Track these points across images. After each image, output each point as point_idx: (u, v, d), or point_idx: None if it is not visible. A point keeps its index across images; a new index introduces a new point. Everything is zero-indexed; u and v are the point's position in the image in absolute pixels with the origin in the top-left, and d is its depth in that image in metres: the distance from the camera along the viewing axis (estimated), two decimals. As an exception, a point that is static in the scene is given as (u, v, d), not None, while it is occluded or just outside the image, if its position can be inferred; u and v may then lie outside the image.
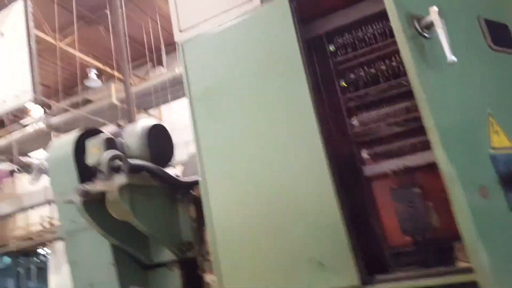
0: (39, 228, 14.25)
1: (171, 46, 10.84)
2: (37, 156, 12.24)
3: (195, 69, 2.02)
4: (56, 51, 9.31)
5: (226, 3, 2.00)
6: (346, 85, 1.86)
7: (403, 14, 1.33)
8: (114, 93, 10.13)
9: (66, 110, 10.79)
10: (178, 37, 2.12)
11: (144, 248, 2.59)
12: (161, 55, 10.95)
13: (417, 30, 1.33)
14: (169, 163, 2.74)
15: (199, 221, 2.48)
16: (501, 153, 1.38)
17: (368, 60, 1.82)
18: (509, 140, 1.43)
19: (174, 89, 9.77)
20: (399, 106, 1.74)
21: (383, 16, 1.71)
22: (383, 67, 1.77)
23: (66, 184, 2.54)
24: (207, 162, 1.95)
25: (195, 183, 2.48)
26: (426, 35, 1.34)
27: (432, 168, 1.38)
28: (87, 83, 11.71)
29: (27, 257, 19.13)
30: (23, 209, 13.97)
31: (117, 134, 2.64)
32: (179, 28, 2.13)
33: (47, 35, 9.19)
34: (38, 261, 19.13)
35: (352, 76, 1.84)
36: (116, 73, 11.10)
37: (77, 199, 2.37)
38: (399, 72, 1.72)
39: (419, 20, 1.33)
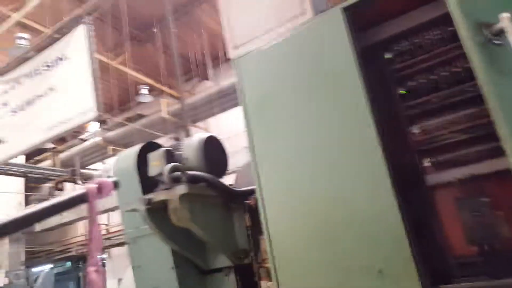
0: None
1: (217, 60, 11.22)
2: (96, 168, 13.12)
3: (251, 82, 2.10)
4: (109, 69, 10.00)
5: (279, 18, 2.07)
6: (405, 93, 1.83)
7: (472, 22, 1.32)
8: (164, 107, 10.63)
9: (120, 125, 11.49)
10: (232, 53, 2.22)
11: (202, 254, 2.71)
12: (206, 69, 11.36)
13: (486, 37, 1.31)
14: (224, 173, 2.85)
15: (254, 229, 2.54)
16: None
17: (428, 67, 1.79)
18: None
19: (220, 101, 10.08)
20: (463, 112, 1.69)
21: (442, 21, 1.70)
22: (445, 73, 1.73)
23: (130, 194, 2.74)
24: (262, 172, 2.00)
25: (250, 192, 2.57)
26: (496, 41, 1.31)
27: (501, 176, 1.33)
28: (139, 98, 12.44)
29: (86, 263, 20.43)
30: (82, 218, 14.92)
31: (175, 147, 2.81)
32: (233, 45, 2.23)
33: (101, 55, 9.91)
34: (95, 266, 20.35)
35: (411, 83, 1.82)
36: (165, 88, 11.67)
37: (142, 207, 2.54)
38: (463, 78, 1.68)
39: (488, 27, 1.31)
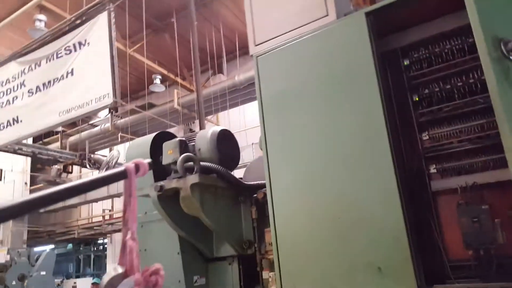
0: (100, 219, 15.32)
1: (232, 54, 11.27)
2: (104, 154, 13.30)
3: (269, 79, 2.16)
4: (125, 57, 10.11)
5: (301, 18, 2.12)
6: (418, 100, 1.88)
7: (490, 36, 1.37)
8: (176, 98, 10.74)
9: (131, 113, 11.64)
10: (253, 50, 2.28)
11: (208, 242, 2.80)
12: (221, 63, 11.42)
13: (502, 52, 1.36)
14: (235, 167, 2.92)
15: (260, 221, 2.62)
16: None
17: (444, 76, 1.84)
18: None
19: (232, 96, 10.15)
20: (472, 123, 1.75)
21: (461, 32, 1.74)
22: (460, 84, 1.77)
23: (142, 180, 2.82)
24: (274, 168, 2.07)
25: (258, 187, 2.65)
26: (511, 57, 1.36)
27: (502, 186, 1.39)
28: (152, 88, 12.55)
29: (87, 246, 20.73)
30: (87, 202, 15.11)
31: (189, 138, 2.89)
32: (254, 42, 2.29)
33: (117, 42, 10.00)
34: (96, 249, 20.66)
35: (426, 91, 1.86)
36: (179, 79, 11.77)
37: (153, 193, 2.63)
38: (475, 89, 1.73)
39: (506, 43, 1.36)
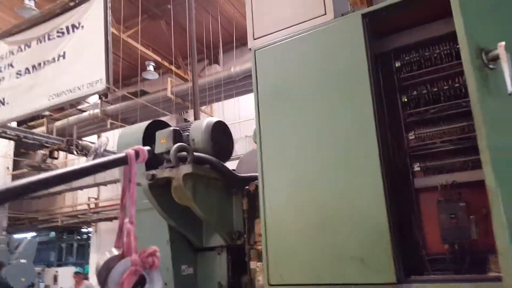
0: (85, 208, 15.16)
1: (229, 45, 11.21)
2: (91, 141, 13.13)
3: (266, 73, 2.21)
4: (118, 42, 9.95)
5: (300, 15, 2.17)
6: (406, 101, 1.97)
7: (474, 46, 1.45)
8: (170, 87, 10.67)
9: (123, 99, 11.51)
10: (251, 43, 2.32)
11: (198, 232, 2.85)
12: (218, 53, 11.36)
13: (483, 61, 1.45)
14: (228, 158, 2.97)
15: (250, 213, 2.68)
16: None
17: (432, 79, 1.92)
18: None
19: (227, 88, 10.13)
20: (455, 125, 1.84)
21: (450, 38, 1.82)
22: (446, 87, 1.86)
23: (134, 168, 2.84)
24: (267, 161, 2.13)
25: (251, 179, 2.70)
26: (491, 66, 1.45)
27: (479, 185, 1.47)
28: (145, 75, 12.41)
29: (70, 234, 20.48)
30: (72, 189, 14.92)
31: (183, 128, 2.91)
32: (253, 35, 2.33)
33: (112, 26, 9.83)
34: (80, 238, 20.44)
35: (414, 92, 1.95)
36: (173, 68, 11.67)
37: (144, 182, 2.65)
38: (460, 93, 1.82)
39: (487, 53, 1.44)
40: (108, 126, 12.08)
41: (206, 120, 2.88)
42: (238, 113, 10.74)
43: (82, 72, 5.08)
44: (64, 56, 5.41)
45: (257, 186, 2.50)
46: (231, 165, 3.32)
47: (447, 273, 1.75)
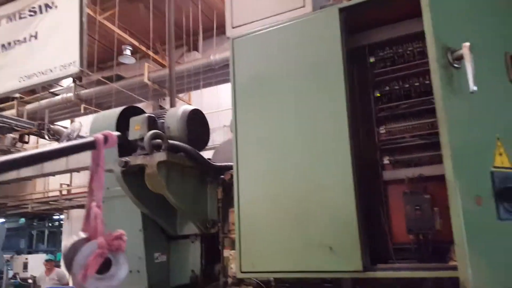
0: (57, 194, 14.78)
1: (209, 32, 11.01)
2: (64, 125, 12.72)
3: (243, 63, 2.21)
4: (94, 24, 9.60)
5: (279, 6, 2.18)
6: (380, 96, 2.02)
7: (440, 45, 1.51)
8: (147, 72, 10.43)
9: (97, 83, 11.17)
10: (230, 32, 2.31)
11: (171, 220, 2.84)
12: (197, 40, 11.15)
13: (449, 60, 1.51)
14: (204, 147, 2.96)
15: (225, 202, 2.70)
16: (500, 171, 1.58)
17: (404, 76, 1.98)
18: (510, 161, 1.62)
19: (206, 75, 9.98)
20: (425, 121, 1.91)
21: (423, 36, 1.87)
22: (417, 84, 1.93)
23: (106, 155, 2.78)
24: (242, 150, 2.15)
25: (226, 168, 2.71)
26: (455, 65, 1.52)
27: (444, 179, 1.55)
28: (121, 59, 12.06)
29: (41, 221, 19.95)
30: (44, 175, 14.49)
31: (158, 115, 2.88)
32: (232, 24, 2.31)
33: (87, 7, 9.48)
34: (51, 225, 19.94)
35: (387, 88, 2.01)
36: (151, 53, 11.40)
37: (117, 169, 2.61)
38: (430, 90, 1.86)
39: (452, 52, 1.51)
40: (82, 111, 11.74)
41: (182, 107, 2.85)
42: (217, 102, 10.66)
43: (55, 53, 4.90)
44: (36, 37, 5.18)
45: (232, 176, 2.52)
46: (208, 154, 3.32)
47: (411, 262, 1.83)
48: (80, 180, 14.05)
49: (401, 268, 1.76)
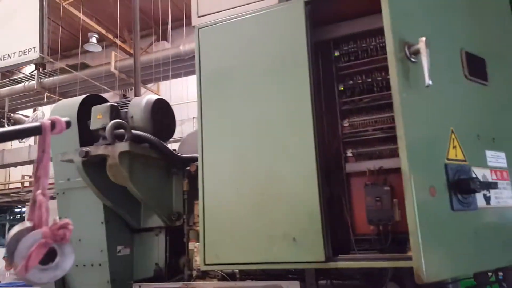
0: (19, 186, 14.17)
1: (179, 22, 10.79)
2: (26, 115, 12.13)
3: (208, 53, 2.17)
4: (58, 9, 9.16)
5: (246, -4, 2.14)
6: (343, 89, 2.05)
7: (397, 39, 1.54)
8: (114, 61, 10.09)
9: (61, 72, 10.70)
10: (195, 21, 2.26)
11: (135, 213, 2.78)
12: (166, 29, 10.89)
13: (406, 54, 1.55)
14: (169, 138, 2.90)
15: (190, 194, 2.66)
16: (454, 163, 1.64)
17: (367, 70, 2.02)
18: (463, 154, 1.69)
19: (176, 66, 9.79)
20: (386, 115, 1.96)
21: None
22: (379, 78, 1.96)
23: (67, 145, 2.68)
24: (207, 142, 2.12)
25: (192, 160, 2.67)
26: (412, 59, 1.56)
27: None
28: (86, 47, 11.59)
29: (2, 214, 19.03)
30: (4, 166, 13.82)
31: (121, 104, 2.79)
32: (197, 13, 2.26)
33: (52, -8, 9.05)
34: (12, 218, 19.06)
35: (350, 82, 2.04)
36: (118, 41, 11.03)
37: (78, 159, 2.52)
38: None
39: (409, 46, 1.55)
40: (45, 99, 11.23)
41: (147, 97, 2.78)
42: (186, 93, 10.51)
43: (14, 38, 4.62)
44: None
45: (197, 167, 2.49)
46: (175, 146, 3.26)
47: (371, 253, 1.88)
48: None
49: (362, 259, 1.80)
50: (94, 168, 2.57)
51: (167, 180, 2.75)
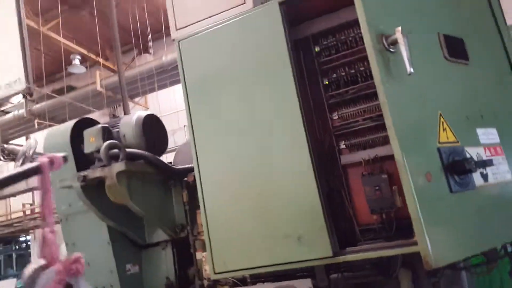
0: (21, 215, 14.09)
1: (158, 34, 10.79)
2: (20, 143, 12.05)
3: (191, 63, 2.19)
4: (38, 35, 9.13)
5: (220, 5, 2.17)
6: (328, 83, 2.07)
7: (374, 32, 1.57)
8: (99, 80, 10.06)
9: (48, 97, 10.65)
10: (174, 34, 2.27)
11: (139, 229, 2.79)
12: (147, 42, 10.88)
13: (384, 46, 1.57)
14: (163, 151, 2.91)
15: (191, 204, 2.68)
16: (446, 146, 1.66)
17: (349, 62, 2.03)
18: (454, 136, 1.71)
19: (160, 77, 9.79)
20: (373, 103, 1.98)
21: (360, 22, 1.93)
22: (362, 68, 1.98)
23: (64, 171, 2.68)
24: (201, 150, 2.13)
25: (188, 170, 2.68)
26: (391, 50, 1.58)
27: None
28: (70, 69, 11.54)
29: (7, 245, 18.91)
30: (4, 197, 13.75)
31: (112, 124, 2.79)
32: (175, 26, 2.28)
33: (30, 19, 9.00)
34: (18, 248, 18.95)
35: (334, 75, 2.05)
36: (101, 60, 10.99)
37: (76, 184, 2.53)
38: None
39: (386, 37, 1.57)
40: (36, 126, 11.17)
41: (136, 114, 2.79)
42: (174, 103, 10.50)
43: (-3, 71, 4.61)
44: None
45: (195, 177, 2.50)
46: (171, 157, 3.27)
47: (378, 242, 1.87)
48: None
49: (369, 249, 1.78)
50: (93, 191, 2.58)
51: (166, 194, 2.77)
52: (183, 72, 2.21)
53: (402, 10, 1.77)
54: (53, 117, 10.87)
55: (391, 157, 1.89)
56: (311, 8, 2.06)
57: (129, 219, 2.70)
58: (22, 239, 17.97)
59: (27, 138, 12.86)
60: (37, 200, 13.70)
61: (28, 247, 17.16)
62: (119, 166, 2.41)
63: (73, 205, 2.82)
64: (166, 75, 9.79)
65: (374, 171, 1.93)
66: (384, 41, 1.56)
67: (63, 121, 11.28)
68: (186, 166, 2.70)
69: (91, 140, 2.60)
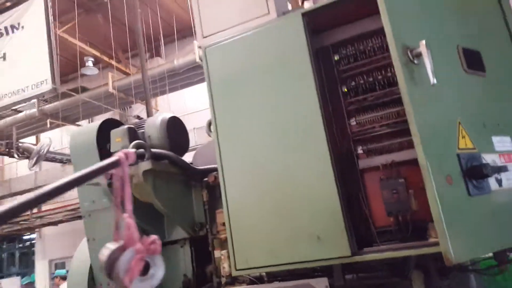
0: (27, 213, 14.20)
1: (170, 37, 10.98)
2: (31, 142, 12.23)
3: (217, 69, 2.30)
4: (54, 38, 9.34)
5: (246, 14, 2.29)
6: (347, 91, 2.17)
7: (400, 45, 1.68)
8: (111, 82, 10.24)
9: (61, 97, 10.84)
10: (201, 42, 2.39)
11: (159, 227, 2.89)
12: (159, 46, 11.07)
13: (409, 58, 1.69)
14: (185, 152, 3.03)
15: (210, 204, 2.78)
16: (465, 152, 1.77)
17: (367, 70, 2.14)
18: (472, 143, 1.82)
19: (172, 80, 9.95)
20: (390, 110, 2.08)
21: (380, 32, 2.04)
22: (380, 77, 2.09)
23: (89, 169, 2.80)
24: (224, 151, 2.24)
25: (209, 171, 2.79)
26: (415, 62, 1.69)
27: (414, 163, 1.72)
28: (84, 71, 11.75)
29: (11, 242, 19.00)
30: (11, 194, 13.88)
31: (137, 125, 2.92)
32: (202, 34, 2.40)
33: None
34: (22, 246, 19.04)
35: (353, 83, 2.16)
36: (114, 62, 11.19)
37: (104, 182, 2.64)
38: (393, 81, 2.04)
39: (411, 50, 1.68)
40: (48, 125, 11.37)
41: (161, 116, 2.91)
42: (184, 105, 10.66)
43: (26, 73, 4.78)
44: (4, 58, 5.03)
45: (215, 178, 2.61)
46: (186, 157, 3.38)
47: (394, 243, 1.95)
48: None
49: (386, 250, 1.87)
50: (118, 188, 2.68)
51: (188, 193, 2.88)
52: (209, 78, 2.32)
53: (424, 23, 1.87)
54: (65, 117, 11.06)
55: (406, 162, 2.01)
56: (331, 18, 2.17)
57: (151, 216, 2.80)
58: (26, 237, 18.05)
59: (37, 137, 13.05)
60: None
61: (32, 245, 17.24)
62: (146, 165, 2.51)
63: (96, 202, 2.93)
64: (177, 78, 9.95)
65: (391, 176, 2.02)
66: (409, 54, 1.67)
67: (75, 120, 11.47)
68: (207, 166, 2.82)
69: (117, 140, 2.72)
